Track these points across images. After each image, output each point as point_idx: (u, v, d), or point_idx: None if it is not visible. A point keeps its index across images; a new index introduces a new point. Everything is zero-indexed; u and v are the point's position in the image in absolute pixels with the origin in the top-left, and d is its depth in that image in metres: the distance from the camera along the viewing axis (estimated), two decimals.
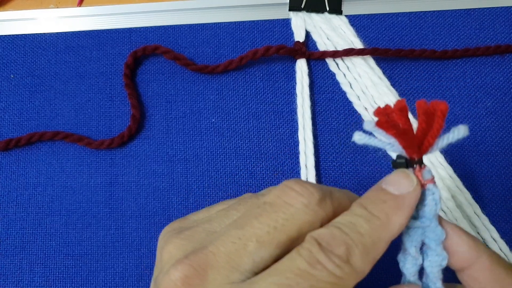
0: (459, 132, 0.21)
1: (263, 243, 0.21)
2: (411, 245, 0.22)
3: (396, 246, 0.22)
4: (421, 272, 0.22)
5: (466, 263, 0.22)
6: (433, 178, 0.22)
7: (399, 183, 0.22)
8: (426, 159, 0.38)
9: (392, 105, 0.22)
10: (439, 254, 0.21)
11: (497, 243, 0.36)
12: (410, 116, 0.28)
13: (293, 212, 0.21)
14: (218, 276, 0.20)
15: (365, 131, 0.22)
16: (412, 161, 0.22)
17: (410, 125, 0.22)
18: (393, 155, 0.39)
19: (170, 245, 0.23)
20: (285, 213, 0.21)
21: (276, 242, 0.21)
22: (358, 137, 0.22)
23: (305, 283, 0.19)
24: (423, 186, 0.22)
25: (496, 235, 0.36)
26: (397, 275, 0.22)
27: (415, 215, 0.22)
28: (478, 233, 0.36)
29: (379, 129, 0.21)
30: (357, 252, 0.20)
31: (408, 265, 0.21)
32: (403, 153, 0.22)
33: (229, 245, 0.21)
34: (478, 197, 0.38)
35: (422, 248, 0.22)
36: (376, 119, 0.21)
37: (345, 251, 0.20)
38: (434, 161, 0.38)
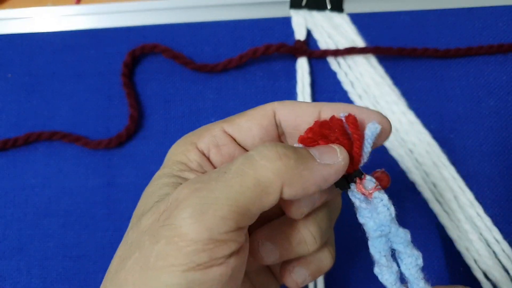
0: (374, 131, 0.22)
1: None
2: (380, 256, 0.21)
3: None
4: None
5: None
6: (377, 185, 0.22)
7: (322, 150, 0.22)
8: (428, 158, 0.38)
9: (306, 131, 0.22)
10: (410, 255, 0.21)
11: (500, 244, 0.36)
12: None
13: None
14: None
15: None
16: (350, 175, 0.22)
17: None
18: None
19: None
20: None
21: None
22: None
23: None
24: (369, 196, 0.22)
25: (499, 236, 0.36)
26: None
27: (373, 226, 0.21)
28: (480, 233, 0.36)
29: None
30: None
31: (386, 276, 0.21)
32: None
33: None
34: (480, 197, 0.37)
35: (394, 255, 0.22)
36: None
37: None
38: (437, 162, 0.38)
